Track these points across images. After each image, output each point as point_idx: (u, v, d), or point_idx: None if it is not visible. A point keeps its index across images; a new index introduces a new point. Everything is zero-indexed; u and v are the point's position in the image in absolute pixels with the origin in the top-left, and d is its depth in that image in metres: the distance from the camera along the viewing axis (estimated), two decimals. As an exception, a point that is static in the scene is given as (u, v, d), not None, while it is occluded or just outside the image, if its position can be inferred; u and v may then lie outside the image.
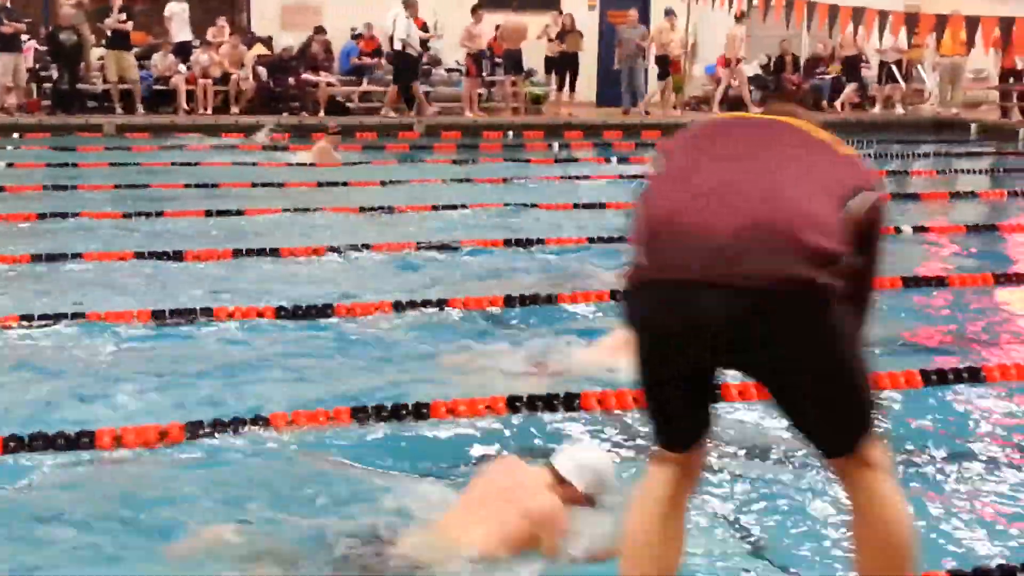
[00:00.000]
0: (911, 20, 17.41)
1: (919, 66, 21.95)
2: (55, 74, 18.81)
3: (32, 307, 7.11)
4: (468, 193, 12.65)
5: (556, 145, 17.75)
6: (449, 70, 21.40)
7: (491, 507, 3.92)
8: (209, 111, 19.16)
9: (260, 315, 7.05)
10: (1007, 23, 15.58)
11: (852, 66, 21.62)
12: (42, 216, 10.51)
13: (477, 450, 5.03)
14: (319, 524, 4.18)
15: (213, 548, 4.01)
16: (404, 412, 5.28)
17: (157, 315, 6.98)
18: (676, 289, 2.83)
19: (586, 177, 13.87)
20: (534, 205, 11.68)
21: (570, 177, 13.89)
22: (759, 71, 22.67)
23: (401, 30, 19.02)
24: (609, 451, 4.81)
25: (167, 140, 16.90)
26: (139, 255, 8.83)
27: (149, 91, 19.24)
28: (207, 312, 7.05)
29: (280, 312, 7.10)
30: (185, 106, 19.11)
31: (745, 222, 2.78)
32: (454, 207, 11.51)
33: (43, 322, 6.80)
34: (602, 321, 7.14)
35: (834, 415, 2.91)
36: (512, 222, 10.89)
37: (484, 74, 20.63)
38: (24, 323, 6.80)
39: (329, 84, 19.90)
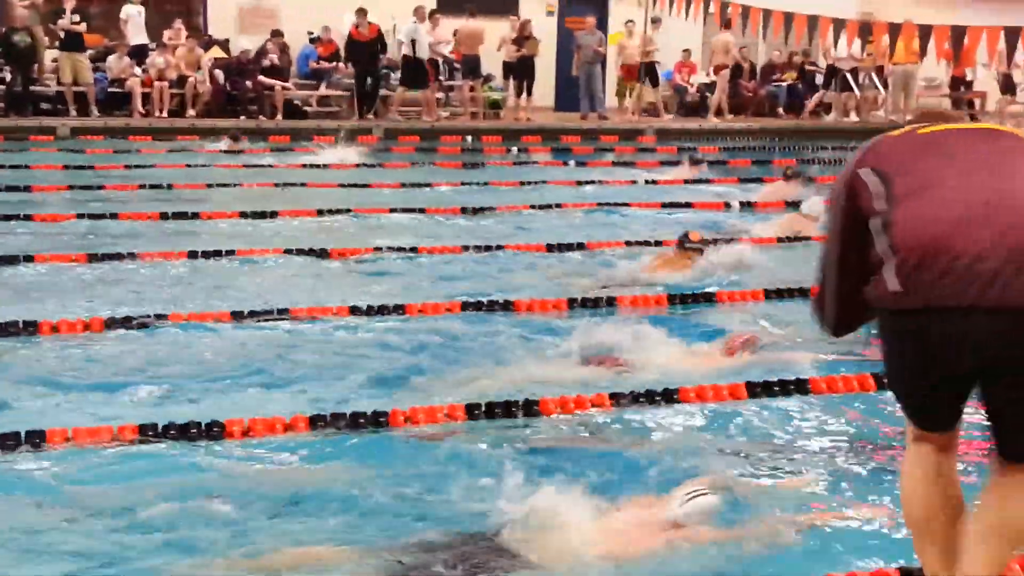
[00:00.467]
0: (865, 28, 17.63)
1: (873, 74, 22.20)
2: (8, 76, 18.56)
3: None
4: (426, 197, 12.65)
5: (515, 150, 17.78)
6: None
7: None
8: (165, 114, 18.99)
9: (216, 319, 7.00)
10: (958, 32, 15.82)
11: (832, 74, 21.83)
12: (-6, 219, 10.39)
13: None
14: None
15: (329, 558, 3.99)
16: (362, 420, 5.25)
17: (109, 318, 6.90)
18: (947, 315, 2.87)
19: (543, 182, 13.89)
20: (492, 209, 11.68)
21: (528, 182, 13.91)
22: (715, 78, 22.81)
23: (406, 34, 19.31)
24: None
25: (170, 140, 16.73)
26: (92, 257, 8.74)
27: (104, 93, 19.03)
28: (161, 317, 6.98)
29: (236, 315, 7.05)
30: (141, 109, 18.93)
31: (1013, 243, 2.82)
32: (412, 211, 11.50)
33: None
34: (563, 329, 7.17)
35: None
36: (470, 226, 10.89)
37: (442, 79, 20.63)
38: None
39: (285, 88, 19.79)
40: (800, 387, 5.87)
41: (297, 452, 4.99)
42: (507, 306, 7.51)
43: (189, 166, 14.61)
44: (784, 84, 22.39)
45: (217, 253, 8.99)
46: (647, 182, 14.23)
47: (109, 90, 19.13)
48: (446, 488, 4.57)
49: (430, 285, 8.36)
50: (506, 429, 5.31)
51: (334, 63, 20.61)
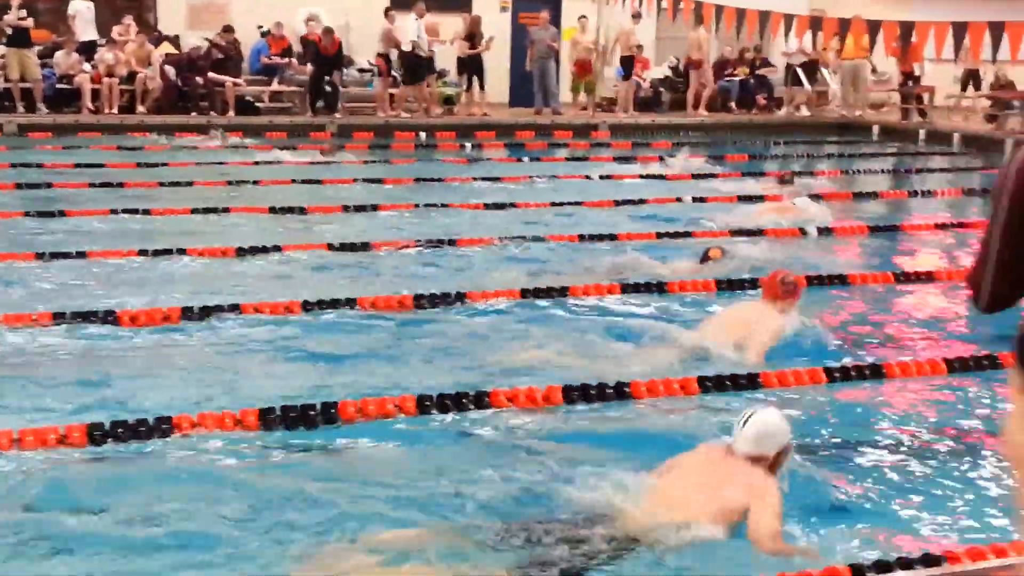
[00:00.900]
0: (815, 24, 17.78)
1: (823, 69, 22.40)
2: (-46, 72, 18.29)
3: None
4: (380, 194, 12.61)
5: (468, 145, 17.76)
6: (361, 70, 21.26)
7: (703, 482, 4.14)
8: (115, 110, 18.77)
9: (166, 317, 6.94)
10: (907, 28, 16.00)
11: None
12: (-60, 217, 10.25)
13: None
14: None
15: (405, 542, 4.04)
16: (312, 414, 5.24)
17: (57, 316, 6.83)
18: None
19: (497, 178, 13.89)
20: (445, 205, 11.67)
21: (482, 177, 13.91)
22: (668, 73, 22.95)
23: (412, 32, 19.42)
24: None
25: (120, 137, 16.55)
26: (40, 256, 8.63)
27: (52, 90, 18.79)
28: (110, 315, 6.91)
29: (187, 313, 6.99)
30: (90, 105, 18.71)
31: None
32: (366, 207, 11.47)
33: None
34: (516, 319, 7.19)
35: None
36: (424, 222, 10.88)
37: (396, 74, 20.55)
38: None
39: (236, 84, 19.64)
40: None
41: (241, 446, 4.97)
42: (461, 298, 7.51)
43: (140, 164, 14.46)
44: (736, 79, 22.53)
45: (168, 251, 8.91)
46: (602, 177, 14.27)
47: (58, 86, 18.88)
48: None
49: (383, 280, 8.33)
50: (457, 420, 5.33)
51: (286, 59, 20.49)
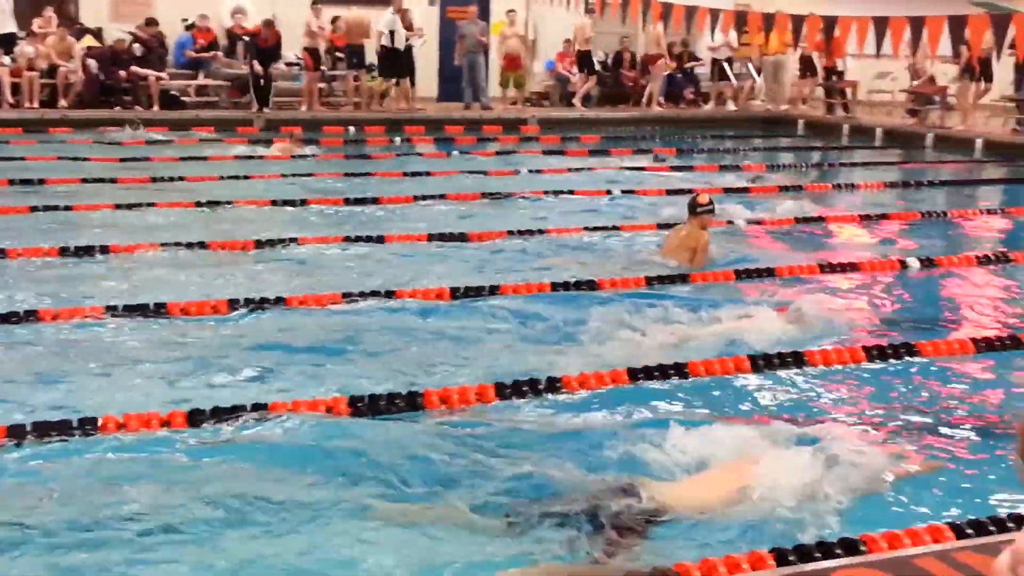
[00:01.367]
0: (741, 18, 17.97)
1: (749, 63, 22.66)
2: None
3: None
4: (307, 188, 12.52)
5: (398, 140, 17.70)
6: (288, 64, 21.08)
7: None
8: (35, 105, 18.40)
9: (88, 316, 6.82)
10: (830, 23, 16.23)
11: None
12: None
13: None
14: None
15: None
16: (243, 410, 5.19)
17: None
18: None
19: (427, 172, 13.86)
20: (375, 200, 11.61)
21: (411, 172, 13.86)
22: (597, 68, 23.04)
23: (389, 26, 19.49)
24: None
25: (41, 132, 16.21)
26: (-43, 255, 8.45)
27: (-30, 84, 18.36)
28: (31, 314, 6.78)
29: (110, 311, 6.88)
30: (10, 100, 18.31)
31: None
32: (293, 203, 11.38)
33: None
34: (443, 316, 7.18)
35: None
36: (352, 218, 10.82)
37: (324, 68, 20.41)
38: None
39: (161, 78, 19.35)
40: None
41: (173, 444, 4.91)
42: (389, 296, 7.48)
43: (61, 158, 14.19)
44: (664, 74, 22.69)
45: (90, 248, 8.75)
46: (531, 171, 14.30)
47: (-25, 80, 18.46)
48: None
49: (312, 277, 8.27)
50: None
51: (212, 52, 20.24)
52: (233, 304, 7.13)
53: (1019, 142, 17.18)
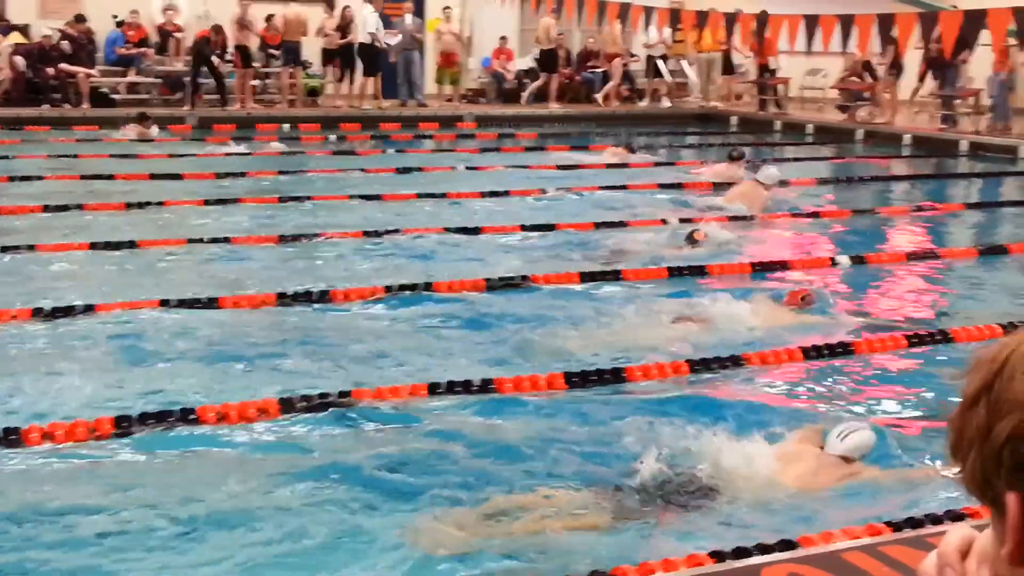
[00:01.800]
0: (674, 16, 18.12)
1: (683, 61, 22.84)
2: None
3: None
4: (242, 187, 12.39)
5: (333, 137, 17.59)
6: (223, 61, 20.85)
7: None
8: (-39, 102, 18.04)
9: (14, 317, 6.69)
10: (761, 20, 16.42)
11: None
12: None
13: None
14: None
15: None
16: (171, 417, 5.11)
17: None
18: None
19: (362, 170, 13.79)
20: (309, 198, 11.53)
21: (347, 170, 13.78)
22: (532, 64, 23.09)
23: (371, 24, 19.70)
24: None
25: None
26: None
27: None
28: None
29: (37, 313, 6.75)
30: (-66, 97, 17.94)
31: None
32: (226, 201, 11.26)
33: None
34: (380, 315, 7.15)
35: None
36: (287, 216, 10.73)
37: (257, 65, 20.22)
38: None
39: (90, 75, 19.05)
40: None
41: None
42: (323, 295, 7.43)
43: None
44: (599, 71, 22.80)
45: (16, 248, 8.59)
46: (467, 168, 14.29)
47: (-103, 78, 18.05)
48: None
49: (245, 277, 8.18)
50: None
51: (143, 49, 19.95)
52: (164, 305, 7.03)
53: (946, 137, 17.51)
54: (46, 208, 10.55)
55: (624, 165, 14.91)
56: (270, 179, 13.17)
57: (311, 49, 20.57)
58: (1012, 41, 15.85)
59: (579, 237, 9.85)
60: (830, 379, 6.20)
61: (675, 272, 8.38)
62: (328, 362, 6.25)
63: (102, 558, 3.97)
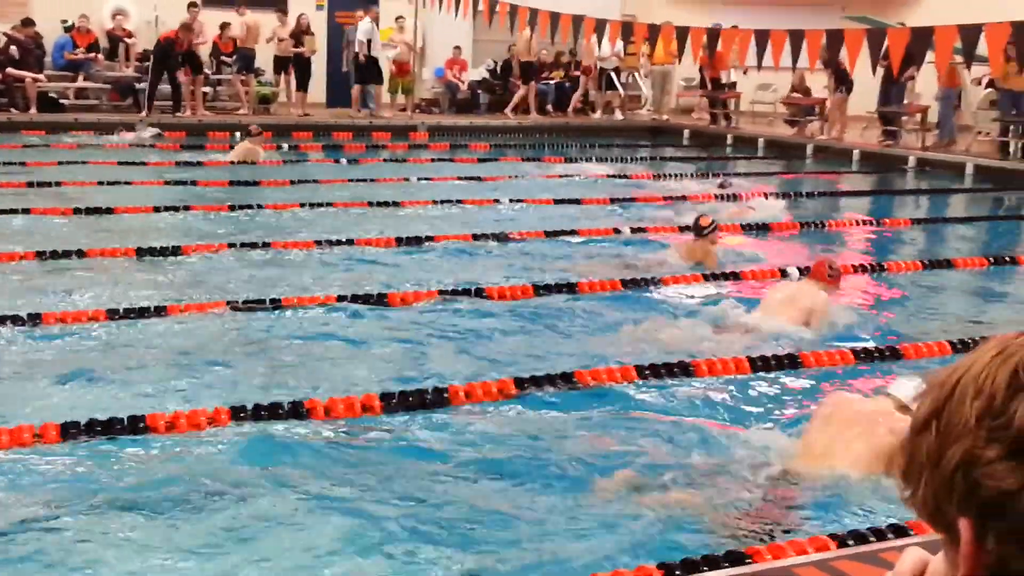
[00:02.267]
0: (627, 29, 18.22)
1: (636, 74, 22.97)
2: None
3: None
4: (192, 195, 12.28)
5: (285, 146, 17.48)
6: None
7: (855, 430, 4.60)
8: (-96, 106, 17.74)
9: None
10: (713, 34, 16.55)
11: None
12: None
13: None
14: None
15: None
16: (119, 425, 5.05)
17: None
18: None
19: (315, 180, 13.72)
20: (260, 207, 11.45)
21: (299, 179, 13.71)
22: (486, 75, 23.13)
23: (363, 33, 19.99)
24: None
25: None
26: None
27: None
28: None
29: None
30: None
31: None
32: (177, 209, 11.15)
33: None
34: (334, 324, 7.11)
35: None
36: (238, 225, 10.65)
37: (208, 73, 20.07)
38: None
39: (37, 79, 18.80)
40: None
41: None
42: (275, 304, 7.38)
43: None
44: (552, 82, 22.89)
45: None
46: (420, 179, 14.26)
47: None
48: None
49: (195, 286, 8.11)
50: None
51: (93, 54, 19.73)
52: (112, 314, 6.94)
53: (893, 153, 17.74)
54: (-8, 214, 10.38)
55: (577, 176, 14.96)
56: (221, 187, 13.06)
57: (263, 56, 20.47)
58: (958, 59, 16.08)
59: (531, 247, 9.87)
60: (775, 390, 6.24)
61: (629, 284, 8.41)
62: (279, 371, 6.21)
63: (41, 569, 3.91)
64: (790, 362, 6.52)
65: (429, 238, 9.94)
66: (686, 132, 21.22)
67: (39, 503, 4.39)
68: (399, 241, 9.81)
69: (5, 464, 4.72)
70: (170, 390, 5.82)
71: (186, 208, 11.22)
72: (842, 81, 18.88)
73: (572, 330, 7.27)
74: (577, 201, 12.70)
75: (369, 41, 20.24)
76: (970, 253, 10.80)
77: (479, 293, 7.95)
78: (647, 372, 6.16)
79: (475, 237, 10.12)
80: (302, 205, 11.56)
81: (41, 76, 18.99)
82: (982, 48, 13.70)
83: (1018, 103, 16.98)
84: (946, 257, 10.31)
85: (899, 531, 4.07)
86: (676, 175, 15.66)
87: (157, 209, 11.10)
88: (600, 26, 17.84)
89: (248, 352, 6.56)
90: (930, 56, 14.58)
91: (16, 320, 6.74)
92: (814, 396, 6.05)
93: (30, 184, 12.42)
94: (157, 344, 6.59)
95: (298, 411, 5.38)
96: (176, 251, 9.05)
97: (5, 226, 10.04)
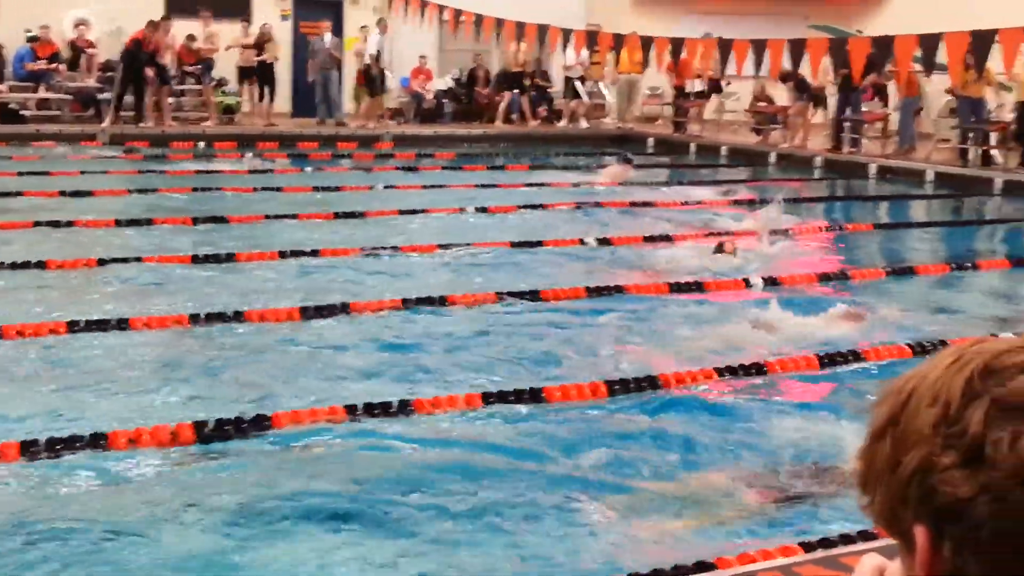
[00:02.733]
0: (592, 38, 18.30)
1: (600, 82, 23.06)
2: None
3: None
4: (156, 206, 12.19)
5: (250, 156, 17.39)
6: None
7: None
8: None
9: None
10: (677, 44, 16.65)
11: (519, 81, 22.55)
12: None
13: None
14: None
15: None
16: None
17: None
18: None
19: (279, 189, 13.66)
20: (225, 219, 11.38)
21: (264, 188, 13.64)
22: (451, 84, 23.13)
23: (373, 45, 20.36)
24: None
25: None
26: None
27: None
28: None
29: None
30: None
31: None
32: (139, 221, 11.06)
33: None
34: (298, 333, 7.07)
35: None
36: (202, 236, 10.57)
37: (173, 82, 19.94)
38: None
39: (-2, 90, 18.66)
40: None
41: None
42: (238, 316, 7.33)
43: None
44: (517, 92, 22.90)
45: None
46: (385, 187, 14.24)
47: None
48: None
49: (157, 297, 8.04)
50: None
51: (54, 64, 19.56)
52: (72, 326, 6.87)
53: (856, 160, 17.90)
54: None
55: (542, 185, 14.97)
56: (184, 197, 12.98)
57: (227, 66, 20.39)
58: (918, 67, 16.26)
59: (496, 255, 9.87)
60: (747, 395, 6.26)
61: (594, 291, 8.42)
62: (243, 385, 6.16)
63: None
64: (756, 370, 6.55)
65: (395, 247, 9.92)
66: (651, 140, 21.31)
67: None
68: (363, 250, 9.77)
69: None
70: (132, 405, 5.76)
71: (148, 220, 11.12)
72: (804, 90, 19.06)
73: (536, 340, 7.27)
74: (540, 207, 12.71)
75: (379, 53, 20.54)
76: (931, 258, 10.91)
77: (442, 302, 7.93)
78: (616, 387, 6.13)
79: (440, 246, 10.09)
80: (267, 216, 11.49)
81: (2, 87, 18.80)
82: (941, 57, 13.86)
83: (977, 110, 17.19)
84: (908, 263, 10.41)
85: (868, 537, 4.09)
86: (641, 183, 15.69)
87: (119, 221, 11.00)
88: (565, 35, 17.90)
89: (212, 365, 6.51)
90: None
91: (-25, 333, 6.65)
92: (773, 400, 6.09)
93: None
94: (119, 357, 6.52)
95: (262, 423, 5.34)
96: (139, 262, 8.97)
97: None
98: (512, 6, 18.69)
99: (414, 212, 12.18)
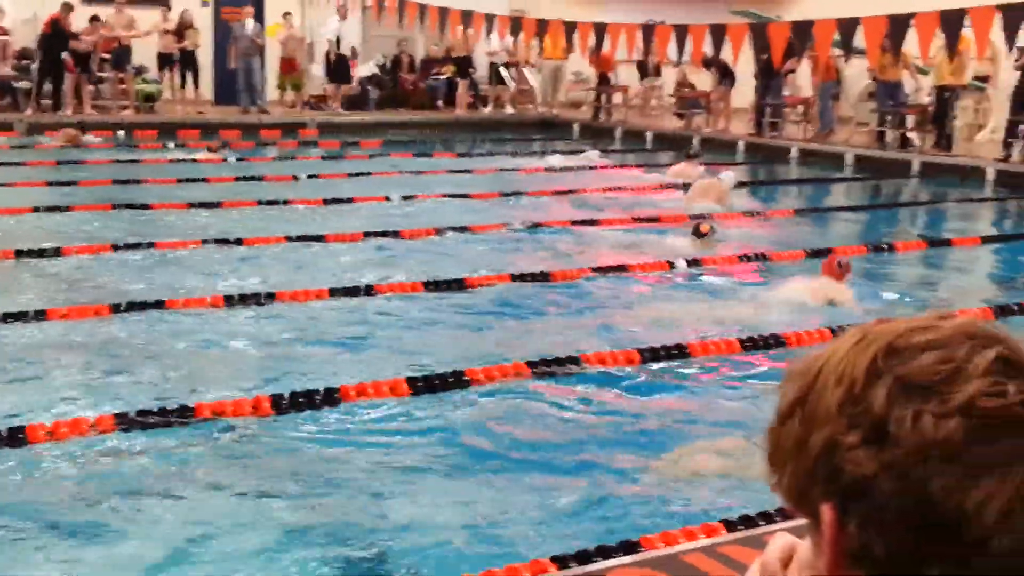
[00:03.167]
0: (516, 24, 18.30)
1: (525, 68, 23.09)
2: None
3: None
4: (74, 195, 11.96)
5: (171, 144, 17.13)
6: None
7: None
8: None
9: None
10: (600, 30, 16.72)
11: (465, 67, 22.42)
12: None
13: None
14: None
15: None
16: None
17: None
18: None
19: (202, 179, 13.47)
20: (146, 206, 11.20)
21: (185, 178, 13.44)
22: (376, 71, 22.99)
23: (332, 31, 20.35)
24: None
25: None
26: None
27: None
28: None
29: None
30: None
31: None
32: (58, 210, 10.84)
33: None
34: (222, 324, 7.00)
35: None
36: (122, 224, 10.40)
37: (92, 70, 19.55)
38: None
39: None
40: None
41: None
42: (159, 305, 7.23)
43: None
44: (443, 78, 22.86)
45: None
46: (309, 176, 14.12)
47: None
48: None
49: (77, 288, 7.90)
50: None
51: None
52: (-10, 319, 6.73)
53: (777, 144, 18.15)
54: None
55: (469, 171, 14.95)
56: (104, 187, 12.74)
57: (147, 53, 20.04)
58: (837, 52, 16.52)
59: (422, 243, 9.84)
60: (669, 376, 6.32)
61: (517, 278, 8.44)
62: (165, 375, 6.08)
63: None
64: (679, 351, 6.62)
65: (320, 236, 9.85)
66: (576, 126, 21.38)
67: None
68: (288, 239, 9.69)
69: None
70: (52, 397, 5.66)
71: (67, 209, 10.91)
72: (725, 75, 19.27)
73: (464, 327, 7.27)
74: (466, 196, 12.70)
75: (338, 40, 20.40)
76: (850, 241, 11.10)
77: (369, 291, 7.90)
78: (538, 366, 6.18)
79: (365, 234, 10.04)
80: (189, 205, 11.34)
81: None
82: (859, 41, 14.10)
83: (894, 94, 17.51)
84: (827, 246, 10.58)
85: (787, 516, 4.15)
86: (565, 169, 15.74)
87: (36, 209, 10.78)
88: (489, 21, 17.87)
89: (133, 356, 6.41)
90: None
91: None
92: (695, 380, 6.17)
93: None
94: (37, 349, 6.40)
95: (185, 414, 5.28)
96: (56, 253, 8.80)
97: None
98: (436, -8, 18.65)
99: (338, 201, 12.10)
